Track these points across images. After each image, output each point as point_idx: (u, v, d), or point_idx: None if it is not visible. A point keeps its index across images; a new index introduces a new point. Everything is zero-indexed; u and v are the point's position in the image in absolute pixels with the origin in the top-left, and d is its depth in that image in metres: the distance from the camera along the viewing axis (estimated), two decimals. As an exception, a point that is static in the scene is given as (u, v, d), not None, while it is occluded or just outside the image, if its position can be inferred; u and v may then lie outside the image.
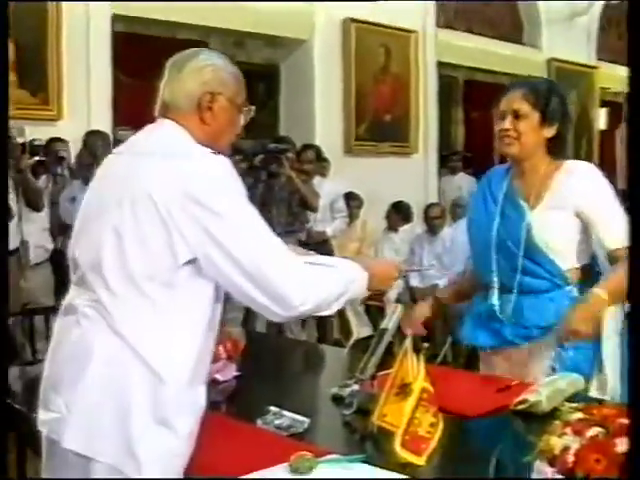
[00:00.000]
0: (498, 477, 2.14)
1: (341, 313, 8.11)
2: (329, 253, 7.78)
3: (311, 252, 2.56)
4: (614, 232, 2.86)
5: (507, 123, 2.93)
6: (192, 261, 2.01)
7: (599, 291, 2.83)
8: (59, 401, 2.03)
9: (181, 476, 2.04)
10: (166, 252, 1.98)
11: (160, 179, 2.00)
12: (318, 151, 7.93)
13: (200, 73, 2.16)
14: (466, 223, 3.29)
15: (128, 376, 1.98)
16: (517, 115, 2.92)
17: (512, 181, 3.06)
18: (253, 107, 2.30)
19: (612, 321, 3.03)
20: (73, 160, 6.35)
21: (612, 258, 2.90)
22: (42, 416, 2.09)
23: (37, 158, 5.87)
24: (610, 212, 2.90)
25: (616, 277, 2.81)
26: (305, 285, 2.08)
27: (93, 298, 2.04)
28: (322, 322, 7.46)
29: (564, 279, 2.95)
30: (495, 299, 3.02)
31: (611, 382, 2.99)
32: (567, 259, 2.95)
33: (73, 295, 2.13)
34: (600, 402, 2.43)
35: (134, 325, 2.00)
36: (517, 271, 2.95)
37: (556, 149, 3.00)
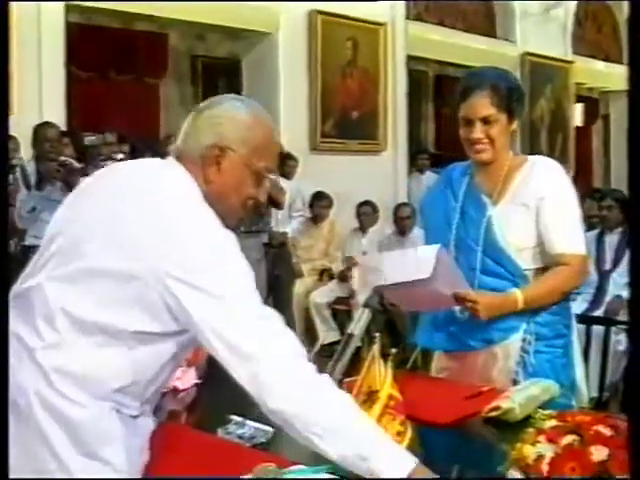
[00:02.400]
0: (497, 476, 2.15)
1: (307, 317, 8.15)
2: (287, 255, 7.87)
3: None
4: (561, 236, 2.89)
5: (478, 132, 2.91)
6: None
7: (518, 296, 2.86)
8: None
9: None
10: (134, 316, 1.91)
11: (148, 239, 1.88)
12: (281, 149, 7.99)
13: (215, 122, 2.02)
14: (423, 221, 3.30)
15: (45, 408, 1.91)
16: (486, 121, 2.91)
17: (474, 177, 3.07)
18: (275, 177, 2.14)
19: (574, 322, 3.08)
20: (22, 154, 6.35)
21: (555, 263, 2.91)
22: None
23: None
24: (563, 215, 2.92)
25: (539, 286, 2.91)
26: (289, 383, 1.88)
27: (19, 324, 1.97)
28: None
29: (526, 280, 2.94)
30: None
31: (582, 388, 3.04)
32: (529, 258, 2.94)
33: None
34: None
35: (54, 353, 1.93)
36: (476, 271, 2.96)
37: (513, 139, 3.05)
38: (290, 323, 6.85)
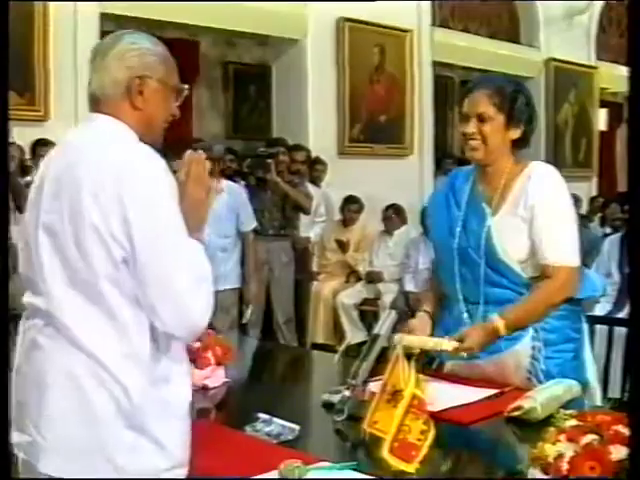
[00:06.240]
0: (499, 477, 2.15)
1: (335, 319, 8.17)
2: (309, 260, 7.90)
3: None
4: (548, 246, 2.83)
5: (471, 127, 2.88)
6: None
7: (499, 323, 2.81)
8: (29, 424, 2.00)
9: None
10: (101, 252, 1.94)
11: (91, 180, 1.94)
12: (308, 153, 8.02)
13: (124, 58, 2.11)
14: (429, 229, 3.23)
15: (91, 388, 1.95)
16: (482, 118, 2.87)
17: (476, 185, 3.01)
18: (186, 86, 2.25)
19: (585, 325, 3.05)
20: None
21: (543, 271, 2.88)
22: (16, 438, 2.05)
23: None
24: (552, 224, 2.85)
25: (521, 308, 2.86)
26: (209, 301, 2.02)
27: (43, 309, 2.01)
28: (301, 326, 7.52)
29: (529, 288, 2.89)
30: (463, 310, 2.99)
31: (595, 388, 3.02)
32: (531, 267, 2.90)
33: (29, 311, 2.09)
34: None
35: (88, 333, 1.96)
36: (480, 281, 2.92)
37: (519, 149, 2.97)
38: (305, 319, 6.72)
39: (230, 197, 6.21)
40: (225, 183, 6.29)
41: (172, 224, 1.98)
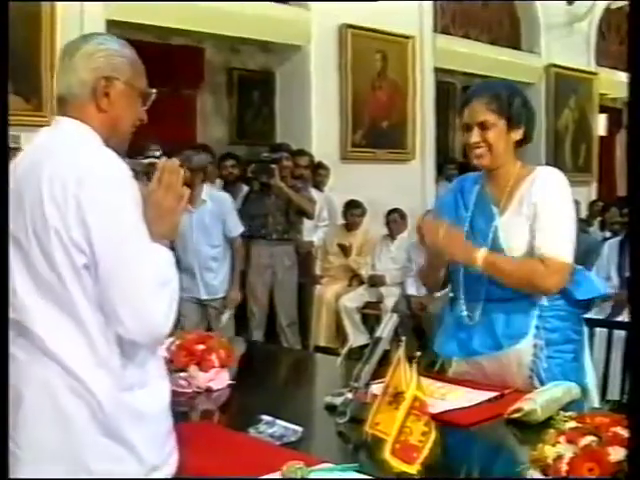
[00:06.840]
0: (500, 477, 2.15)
1: (338, 322, 8.17)
2: (312, 264, 7.91)
3: None
4: (544, 239, 2.85)
5: (475, 136, 2.92)
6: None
7: (481, 252, 2.85)
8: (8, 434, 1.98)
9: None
10: (63, 256, 1.92)
11: (51, 182, 1.92)
12: (311, 158, 8.04)
13: (92, 59, 2.08)
14: None
15: (65, 398, 1.94)
16: (484, 126, 2.91)
17: (484, 187, 3.06)
18: (154, 90, 2.20)
19: (585, 328, 3.06)
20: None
21: None
22: None
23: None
24: (551, 219, 2.87)
25: (507, 260, 2.88)
26: (172, 306, 2.00)
27: (15, 319, 1.99)
28: (303, 329, 7.54)
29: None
30: (463, 308, 3.02)
31: (593, 391, 3.02)
32: None
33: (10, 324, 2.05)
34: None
35: (60, 343, 1.94)
36: (483, 279, 2.94)
37: (522, 146, 3.01)
38: (308, 322, 6.69)
39: (214, 205, 6.20)
40: (207, 192, 6.27)
41: (135, 230, 1.96)
